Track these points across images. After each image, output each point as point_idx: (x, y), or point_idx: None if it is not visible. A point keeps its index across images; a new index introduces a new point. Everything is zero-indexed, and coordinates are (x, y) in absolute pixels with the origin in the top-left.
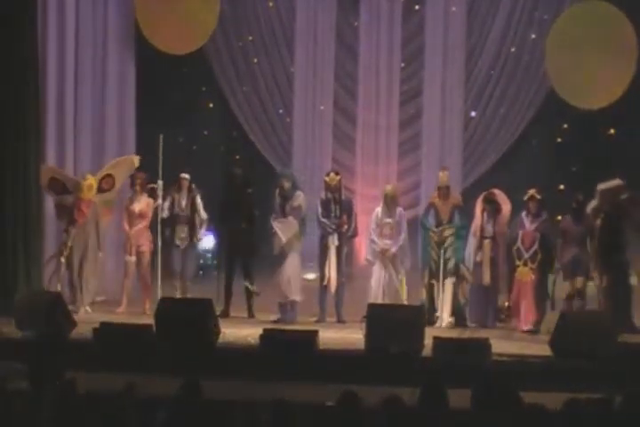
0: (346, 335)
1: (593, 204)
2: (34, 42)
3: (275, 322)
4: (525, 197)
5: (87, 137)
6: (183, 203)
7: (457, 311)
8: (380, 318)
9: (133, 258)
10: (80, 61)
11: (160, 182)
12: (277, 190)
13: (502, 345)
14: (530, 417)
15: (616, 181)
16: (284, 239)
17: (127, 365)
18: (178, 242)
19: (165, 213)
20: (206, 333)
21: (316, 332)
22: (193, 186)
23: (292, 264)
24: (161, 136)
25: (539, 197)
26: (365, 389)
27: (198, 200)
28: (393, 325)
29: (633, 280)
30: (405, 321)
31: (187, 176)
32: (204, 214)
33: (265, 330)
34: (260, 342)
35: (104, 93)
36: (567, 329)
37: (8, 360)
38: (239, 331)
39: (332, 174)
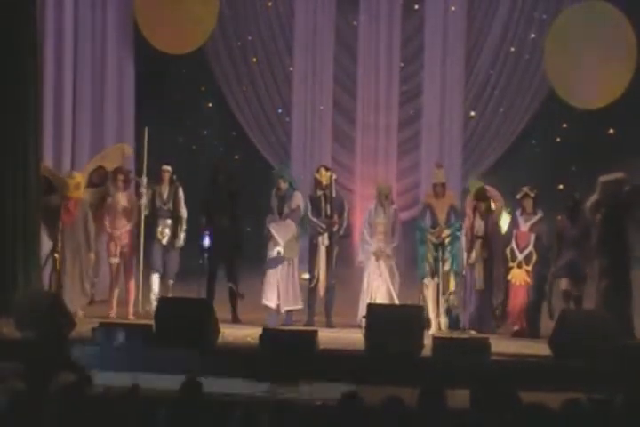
0: (345, 335)
1: (593, 197)
2: (32, 42)
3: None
4: (519, 196)
5: (86, 137)
6: (165, 195)
7: (450, 316)
8: (380, 318)
9: (117, 259)
10: (79, 61)
11: (144, 179)
12: (274, 191)
13: (501, 345)
14: (530, 417)
15: (618, 174)
16: (281, 243)
17: (127, 365)
18: (160, 237)
19: (147, 210)
20: (206, 332)
21: (315, 332)
22: (174, 178)
23: (290, 270)
24: (146, 129)
25: (533, 194)
26: (365, 388)
27: (180, 193)
28: (392, 324)
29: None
30: (405, 321)
31: (168, 168)
32: (183, 211)
33: (265, 330)
34: (259, 342)
35: (103, 93)
36: (567, 329)
37: (7, 361)
38: (239, 331)
39: (322, 170)
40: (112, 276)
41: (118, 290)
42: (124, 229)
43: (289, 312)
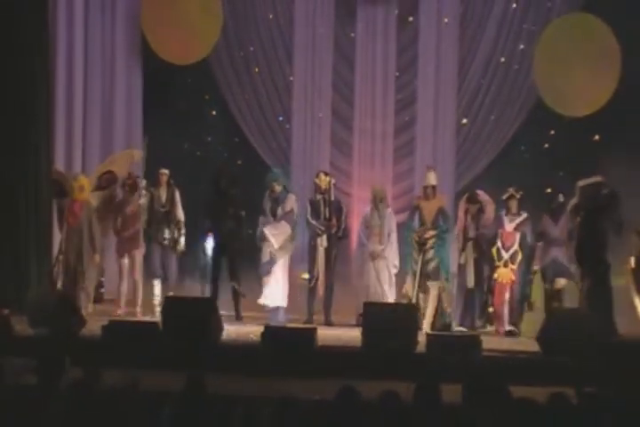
0: (343, 333)
1: (573, 201)
2: (45, 53)
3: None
4: (504, 197)
5: (96, 144)
6: (163, 198)
7: (441, 319)
8: (376, 316)
9: (127, 260)
10: (89, 72)
11: (143, 182)
12: (267, 193)
13: (492, 341)
14: (519, 410)
15: (596, 178)
16: (276, 245)
17: (134, 361)
18: (159, 240)
19: (145, 214)
20: (210, 330)
21: (314, 329)
22: (172, 181)
23: (282, 268)
24: (146, 137)
25: (518, 196)
26: (362, 384)
27: (177, 196)
28: (388, 322)
29: (620, 281)
30: (400, 319)
31: (166, 171)
32: (180, 214)
33: (266, 327)
34: (261, 339)
35: (112, 102)
36: (554, 327)
37: (21, 357)
38: (241, 328)
39: (321, 175)
40: (120, 276)
41: (126, 290)
42: (132, 230)
43: (279, 310)
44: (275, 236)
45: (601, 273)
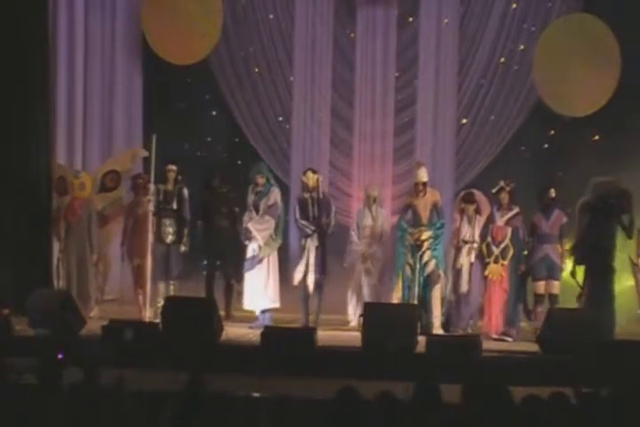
0: (343, 333)
1: (583, 198)
2: (44, 54)
3: (251, 328)
4: (495, 190)
5: (96, 145)
6: (170, 195)
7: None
8: (376, 316)
9: (140, 262)
10: (89, 72)
11: (153, 187)
12: (251, 187)
13: (492, 341)
14: (520, 410)
15: (611, 178)
16: (261, 242)
17: (134, 361)
18: (163, 237)
19: (152, 207)
20: (210, 330)
21: (314, 330)
22: (180, 178)
23: (269, 269)
24: (154, 136)
25: (508, 188)
26: (362, 384)
27: (185, 194)
28: (388, 322)
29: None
30: (400, 319)
31: (173, 167)
32: (187, 212)
33: (266, 327)
34: (261, 340)
35: (112, 102)
36: (553, 327)
37: (22, 357)
38: (241, 328)
39: (309, 173)
40: (135, 277)
41: (142, 290)
42: (144, 232)
43: (265, 312)
44: (259, 231)
45: (605, 274)
